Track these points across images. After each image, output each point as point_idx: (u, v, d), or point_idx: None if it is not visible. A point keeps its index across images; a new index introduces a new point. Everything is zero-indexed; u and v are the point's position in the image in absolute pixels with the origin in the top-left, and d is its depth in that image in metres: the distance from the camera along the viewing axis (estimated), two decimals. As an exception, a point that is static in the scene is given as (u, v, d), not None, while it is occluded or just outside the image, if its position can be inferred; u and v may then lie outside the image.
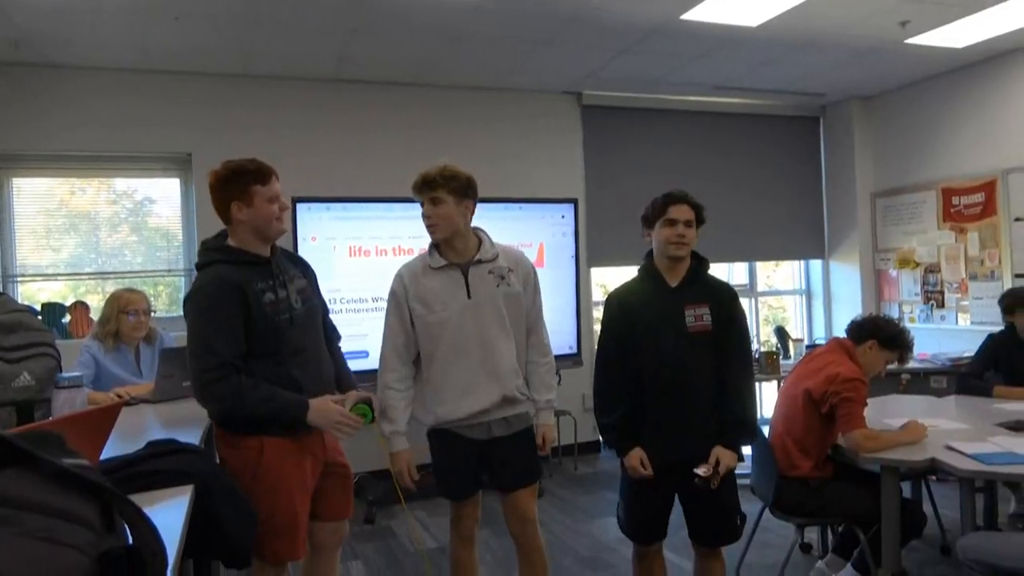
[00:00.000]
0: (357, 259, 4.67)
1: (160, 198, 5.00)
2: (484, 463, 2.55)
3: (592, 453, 5.72)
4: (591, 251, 5.72)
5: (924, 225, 5.91)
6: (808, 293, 6.85)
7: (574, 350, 5.29)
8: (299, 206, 4.49)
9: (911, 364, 4.82)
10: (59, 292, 4.84)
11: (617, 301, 2.55)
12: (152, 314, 3.50)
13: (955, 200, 5.67)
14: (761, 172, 6.37)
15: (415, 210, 4.91)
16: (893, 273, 6.20)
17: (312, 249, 4.44)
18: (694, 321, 2.45)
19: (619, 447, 2.48)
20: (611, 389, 2.51)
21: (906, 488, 3.57)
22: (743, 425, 2.46)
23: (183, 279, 5.00)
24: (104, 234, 4.86)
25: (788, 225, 6.50)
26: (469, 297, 2.48)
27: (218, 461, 2.24)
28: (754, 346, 5.32)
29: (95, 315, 4.44)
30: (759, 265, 6.74)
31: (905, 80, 5.86)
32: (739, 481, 2.56)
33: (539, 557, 2.58)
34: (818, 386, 2.87)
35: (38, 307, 4.56)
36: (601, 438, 2.63)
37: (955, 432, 2.99)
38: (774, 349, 5.34)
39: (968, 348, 4.57)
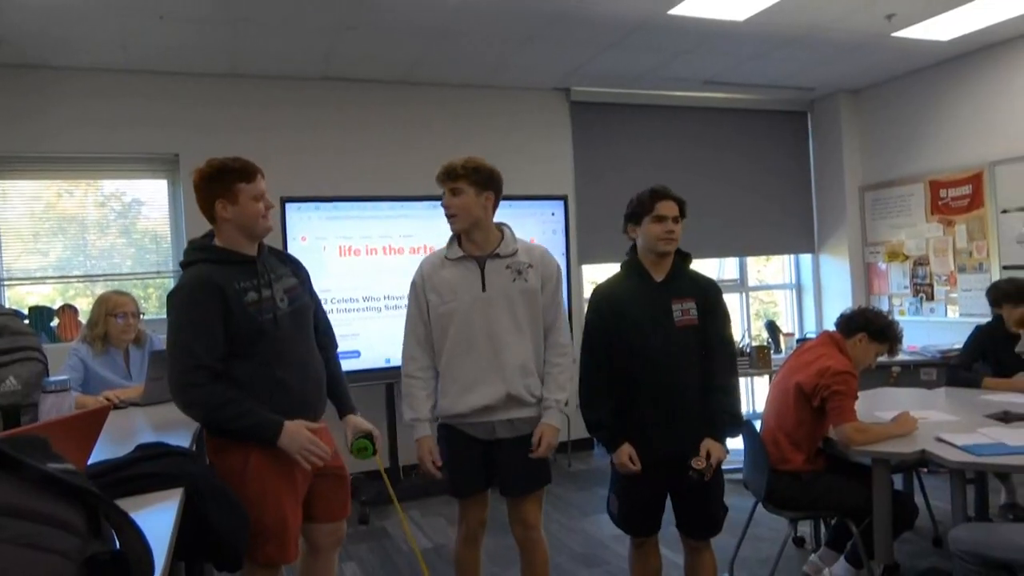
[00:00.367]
0: (347, 259, 4.66)
1: (148, 199, 4.97)
2: (489, 463, 2.52)
3: (586, 450, 5.72)
4: (582, 248, 5.72)
5: (913, 218, 5.94)
6: (798, 287, 6.88)
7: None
8: (288, 206, 4.47)
9: (901, 356, 4.85)
10: (47, 296, 4.80)
11: (604, 296, 2.55)
12: (142, 316, 3.48)
13: (943, 193, 5.70)
14: (750, 167, 6.39)
15: (405, 209, 4.95)
16: (882, 266, 6.23)
17: (302, 249, 4.42)
18: (681, 315, 2.47)
19: (608, 443, 2.49)
20: (598, 384, 2.52)
21: (898, 480, 3.59)
22: (731, 417, 2.49)
23: (173, 280, 4.97)
24: (93, 236, 4.83)
25: (778, 220, 6.52)
26: (484, 290, 2.45)
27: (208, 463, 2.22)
28: (745, 341, 5.34)
29: (84, 318, 4.41)
30: (750, 260, 6.76)
31: (892, 74, 5.89)
32: (732, 476, 2.58)
33: (540, 561, 2.56)
34: (809, 379, 2.89)
35: (26, 311, 4.53)
36: (590, 434, 2.59)
37: (945, 424, 3.00)
38: (765, 343, 5.36)
39: (957, 340, 4.59)
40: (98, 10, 3.78)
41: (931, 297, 5.84)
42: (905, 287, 6.04)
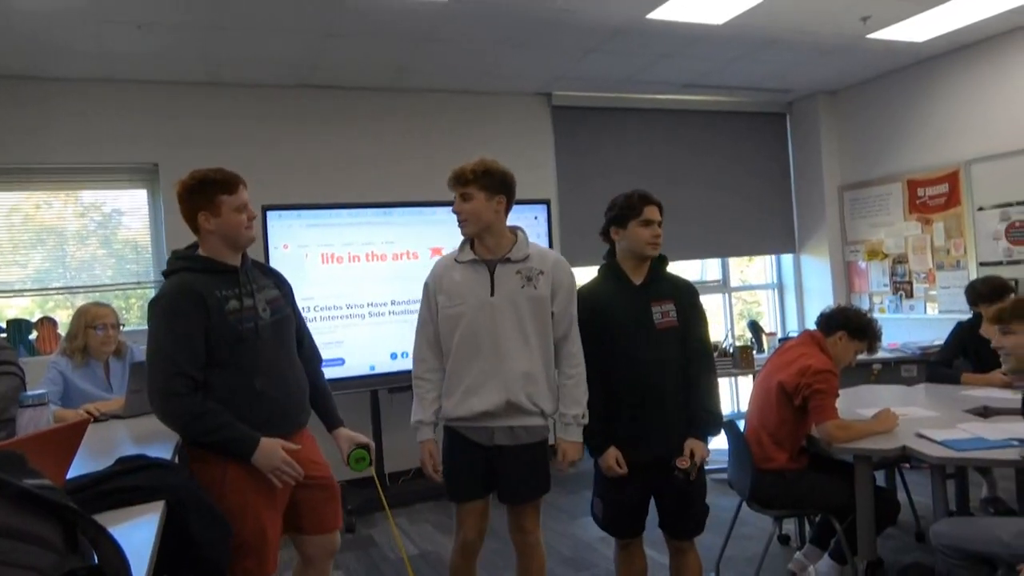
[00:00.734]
0: (330, 266, 4.64)
1: (129, 210, 4.92)
2: (490, 470, 2.47)
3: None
4: (565, 252, 5.71)
5: (891, 217, 6.01)
6: (780, 287, 6.93)
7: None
8: (269, 214, 4.45)
9: (882, 354, 4.90)
10: (26, 308, 4.74)
11: (585, 300, 2.55)
12: (122, 328, 3.45)
13: (920, 192, 5.77)
14: (731, 169, 6.44)
15: (387, 216, 4.94)
16: (862, 265, 6.29)
17: (284, 257, 4.40)
18: (661, 318, 2.49)
19: (594, 447, 2.49)
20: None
21: (880, 477, 3.63)
22: (712, 416, 2.51)
23: (154, 291, 4.92)
24: (72, 248, 4.78)
25: (758, 220, 6.57)
26: (492, 295, 2.41)
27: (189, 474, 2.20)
28: (728, 341, 5.37)
29: (63, 330, 4.36)
30: (733, 260, 6.80)
31: (869, 75, 5.96)
32: (716, 476, 2.59)
33: (537, 567, 2.55)
34: (790, 378, 2.91)
35: (3, 324, 4.47)
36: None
37: (925, 420, 3.04)
38: (748, 343, 5.40)
39: (937, 337, 4.65)
40: (76, 19, 3.75)
41: (910, 295, 5.90)
42: (885, 285, 6.10)
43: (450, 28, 4.25)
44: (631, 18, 4.29)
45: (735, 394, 6.55)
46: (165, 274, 2.24)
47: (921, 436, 2.76)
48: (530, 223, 5.19)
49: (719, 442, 2.90)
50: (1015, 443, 2.58)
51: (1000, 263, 5.21)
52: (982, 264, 5.33)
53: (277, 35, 4.17)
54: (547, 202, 5.32)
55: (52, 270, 4.72)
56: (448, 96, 5.52)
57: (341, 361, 4.60)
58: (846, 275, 6.43)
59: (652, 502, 2.58)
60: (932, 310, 5.74)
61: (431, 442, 2.50)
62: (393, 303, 4.77)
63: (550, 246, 5.22)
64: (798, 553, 3.25)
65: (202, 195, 2.16)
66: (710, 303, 6.42)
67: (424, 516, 4.58)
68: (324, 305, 4.60)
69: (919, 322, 5.78)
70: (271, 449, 2.09)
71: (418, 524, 4.44)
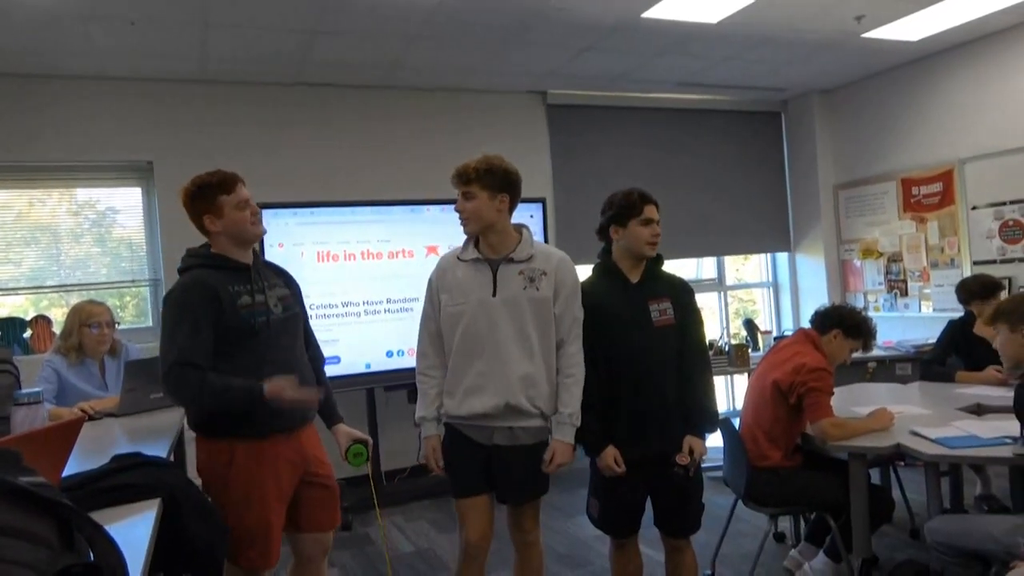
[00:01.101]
0: (325, 264, 4.63)
1: (123, 208, 4.90)
2: (489, 467, 2.45)
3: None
4: (561, 250, 5.73)
5: (886, 216, 6.03)
6: (775, 286, 6.94)
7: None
8: (264, 212, 4.38)
9: (877, 352, 4.92)
10: (20, 307, 4.73)
11: (582, 297, 2.52)
12: (117, 326, 3.44)
13: (915, 190, 5.79)
14: (726, 167, 6.44)
15: (383, 214, 4.94)
16: (857, 263, 6.30)
17: (279, 255, 4.39)
18: (659, 316, 2.49)
19: (592, 446, 2.48)
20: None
21: (875, 475, 3.64)
22: (708, 413, 2.52)
23: (149, 289, 4.91)
24: (66, 246, 4.76)
25: (753, 219, 6.57)
26: (494, 295, 2.38)
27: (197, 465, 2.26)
28: (723, 339, 5.39)
29: (58, 329, 4.35)
30: (728, 259, 6.81)
31: (863, 74, 5.97)
32: (712, 473, 2.61)
33: (535, 566, 2.54)
34: (785, 377, 2.92)
35: (-3, 322, 4.46)
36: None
37: (919, 418, 3.05)
38: (744, 342, 5.41)
39: (931, 335, 4.66)
40: (68, 16, 3.73)
41: (905, 293, 5.92)
42: (879, 284, 6.12)
43: (444, 25, 4.24)
44: (626, 16, 4.29)
45: (730, 392, 6.57)
46: (180, 271, 2.31)
47: (915, 434, 2.77)
48: (525, 221, 5.14)
49: (714, 440, 2.91)
50: (1008, 441, 2.60)
51: (994, 262, 5.23)
52: (976, 263, 5.35)
53: (271, 32, 4.16)
54: (542, 200, 5.32)
55: (46, 268, 4.70)
56: (444, 94, 5.52)
57: (336, 359, 4.60)
58: (841, 274, 6.44)
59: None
60: (927, 308, 5.76)
61: (435, 438, 2.49)
62: (389, 301, 4.76)
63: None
64: (793, 550, 3.26)
65: (203, 199, 2.23)
66: (705, 302, 6.43)
67: (420, 514, 4.59)
68: (319, 303, 4.59)
69: (913, 320, 5.80)
70: (276, 383, 2.14)
71: (414, 522, 4.45)
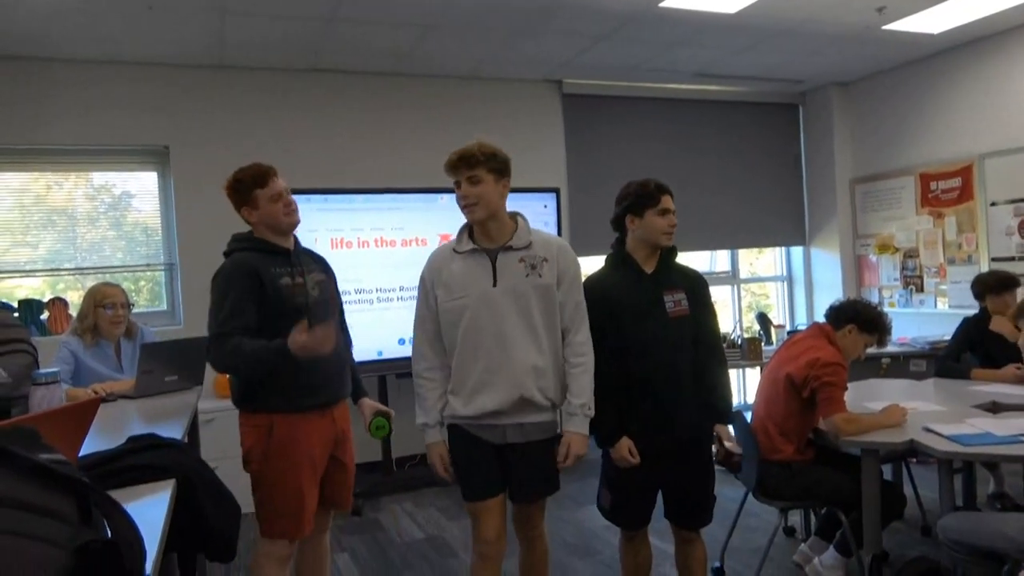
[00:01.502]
0: (339, 251, 4.65)
1: (139, 192, 4.93)
2: (502, 466, 2.37)
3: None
4: (574, 241, 5.72)
5: (903, 211, 5.97)
6: (789, 279, 6.90)
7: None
8: (279, 198, 4.45)
9: (891, 348, 4.89)
10: (37, 289, 4.77)
11: (596, 289, 2.50)
12: (132, 308, 3.47)
13: (933, 185, 5.73)
14: (742, 159, 6.40)
15: (397, 201, 4.94)
16: (873, 259, 6.25)
17: (293, 242, 4.40)
18: (674, 307, 2.47)
19: (606, 438, 2.46)
20: (595, 379, 2.50)
21: (887, 471, 3.62)
22: (726, 403, 2.53)
23: (164, 273, 4.94)
24: (83, 229, 4.79)
25: (768, 212, 6.53)
26: (494, 285, 2.29)
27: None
28: (736, 332, 5.37)
29: (74, 311, 4.39)
30: (742, 252, 6.78)
31: (883, 66, 5.90)
32: (722, 467, 2.60)
33: (539, 556, 2.52)
34: (799, 371, 2.90)
35: (15, 304, 4.50)
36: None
37: (933, 414, 3.03)
38: (757, 335, 5.39)
39: (947, 332, 4.62)
40: (86, 1, 3.74)
41: (921, 289, 5.87)
42: (895, 279, 6.07)
43: (460, 13, 4.23)
44: (642, 5, 4.26)
45: (743, 385, 6.54)
46: (225, 254, 2.50)
47: (929, 430, 2.75)
48: (539, 211, 5.18)
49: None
50: (1023, 439, 2.58)
51: (1012, 259, 5.17)
52: (994, 259, 5.29)
53: (287, 19, 4.16)
54: (556, 190, 5.31)
55: (63, 251, 4.74)
56: (459, 82, 5.51)
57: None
58: (856, 268, 6.40)
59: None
60: (942, 305, 5.71)
61: (440, 444, 2.40)
62: (402, 289, 4.78)
63: (559, 235, 5.21)
64: (803, 545, 3.25)
65: (239, 193, 2.42)
66: (719, 294, 6.41)
67: (431, 501, 4.61)
68: (333, 290, 4.60)
69: (929, 317, 5.75)
70: (293, 335, 2.21)
71: (425, 509, 4.47)
